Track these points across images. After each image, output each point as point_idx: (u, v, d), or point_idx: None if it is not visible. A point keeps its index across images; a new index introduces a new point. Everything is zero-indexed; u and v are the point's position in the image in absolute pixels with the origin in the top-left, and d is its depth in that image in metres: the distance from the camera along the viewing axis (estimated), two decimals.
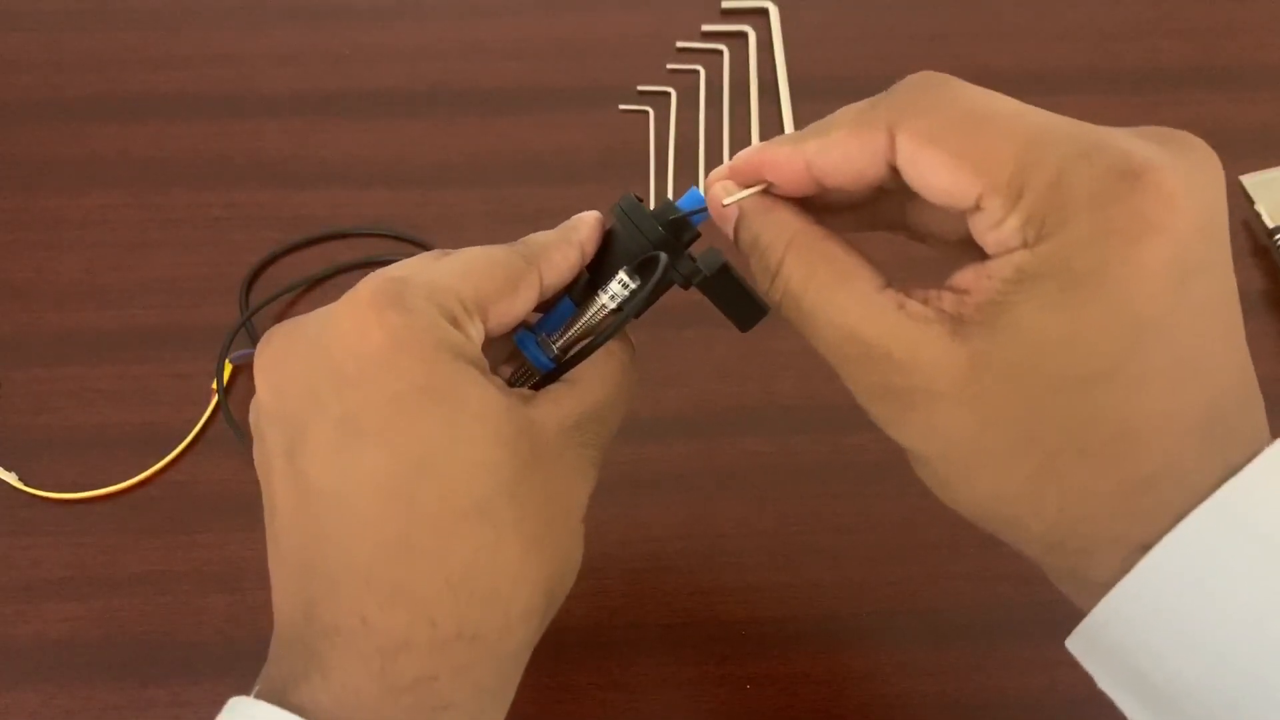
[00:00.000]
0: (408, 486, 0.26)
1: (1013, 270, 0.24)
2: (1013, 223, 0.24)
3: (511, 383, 0.32)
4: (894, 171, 0.26)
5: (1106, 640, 0.25)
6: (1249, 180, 0.53)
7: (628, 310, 0.30)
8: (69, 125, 0.58)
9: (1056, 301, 0.23)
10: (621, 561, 0.45)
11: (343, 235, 0.55)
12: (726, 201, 0.29)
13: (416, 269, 0.28)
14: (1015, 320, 0.24)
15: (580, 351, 0.30)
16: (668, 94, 0.59)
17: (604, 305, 0.31)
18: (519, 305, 0.29)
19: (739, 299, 0.31)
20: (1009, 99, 0.25)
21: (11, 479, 0.48)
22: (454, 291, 0.27)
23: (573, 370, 0.30)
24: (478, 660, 0.27)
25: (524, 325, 0.31)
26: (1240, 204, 0.53)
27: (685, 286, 0.31)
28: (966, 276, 0.25)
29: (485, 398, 0.27)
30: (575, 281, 0.32)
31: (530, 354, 0.31)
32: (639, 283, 0.30)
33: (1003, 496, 0.25)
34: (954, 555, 0.45)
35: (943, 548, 0.46)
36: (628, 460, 0.47)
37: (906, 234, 0.30)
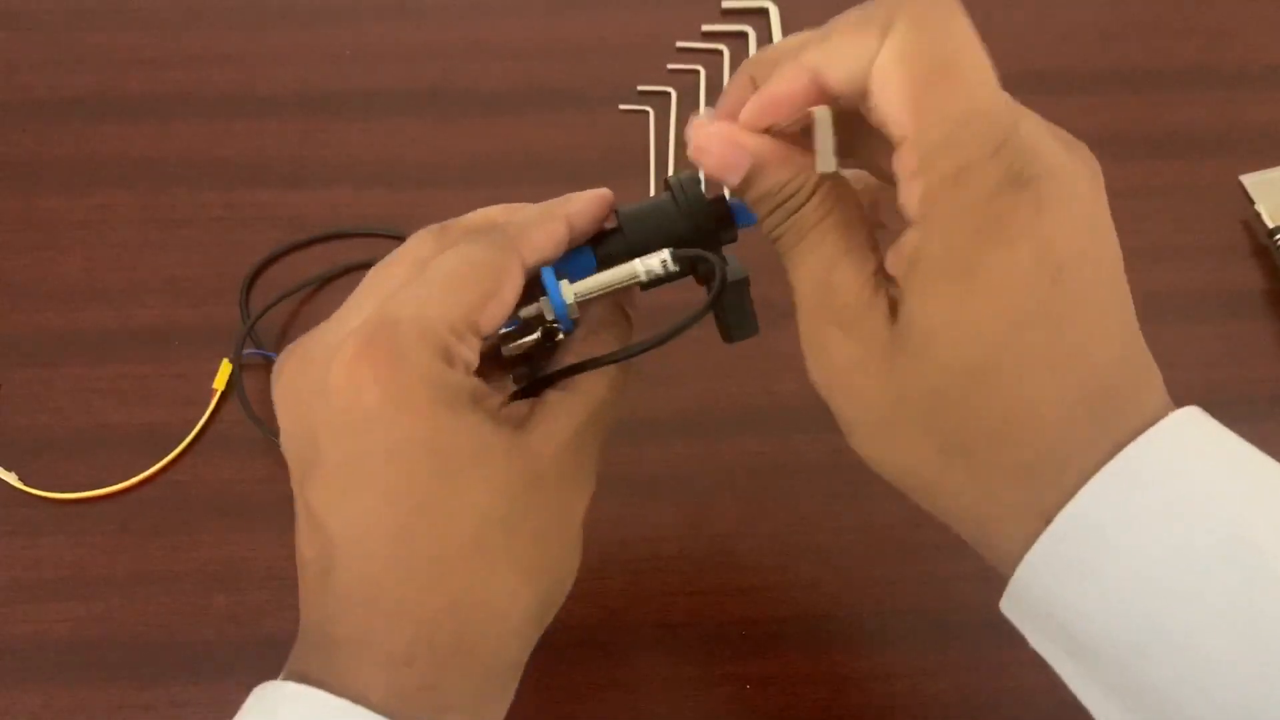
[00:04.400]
0: (406, 529, 0.27)
1: (910, 252, 0.26)
2: (916, 188, 0.25)
3: (508, 356, 0.32)
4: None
5: (1030, 600, 0.27)
6: (1249, 180, 0.53)
7: (660, 338, 0.29)
8: (69, 125, 0.58)
9: (942, 292, 0.25)
10: (621, 561, 0.45)
11: (343, 235, 0.55)
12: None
13: (405, 301, 0.28)
14: (912, 307, 0.26)
15: (587, 364, 0.30)
16: (668, 94, 0.59)
17: (636, 275, 0.30)
18: (506, 299, 0.29)
19: (739, 313, 0.31)
20: (982, 56, 0.26)
21: (11, 479, 0.48)
22: (443, 321, 0.28)
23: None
24: (475, 671, 0.28)
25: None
26: (1240, 204, 0.53)
27: (701, 282, 0.31)
28: (889, 257, 0.27)
29: (480, 442, 0.28)
30: (603, 235, 0.32)
31: (551, 293, 0.30)
32: (677, 270, 0.30)
33: (918, 467, 0.28)
34: (954, 555, 0.45)
35: (943, 548, 0.45)
36: (627, 460, 0.47)
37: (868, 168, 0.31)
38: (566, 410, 0.30)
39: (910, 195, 0.25)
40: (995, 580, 0.44)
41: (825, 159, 0.27)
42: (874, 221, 0.30)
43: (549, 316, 0.31)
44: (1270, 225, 0.52)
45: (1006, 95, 0.26)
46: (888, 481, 0.29)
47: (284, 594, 0.45)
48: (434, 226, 0.31)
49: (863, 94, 0.26)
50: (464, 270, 0.29)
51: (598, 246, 0.32)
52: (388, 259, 0.31)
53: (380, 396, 0.27)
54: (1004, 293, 0.25)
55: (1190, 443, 0.25)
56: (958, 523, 0.28)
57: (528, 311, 0.31)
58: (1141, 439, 0.25)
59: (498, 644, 0.29)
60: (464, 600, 0.28)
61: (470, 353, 0.28)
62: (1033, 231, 0.25)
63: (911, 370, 0.26)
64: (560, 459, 0.29)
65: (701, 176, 0.32)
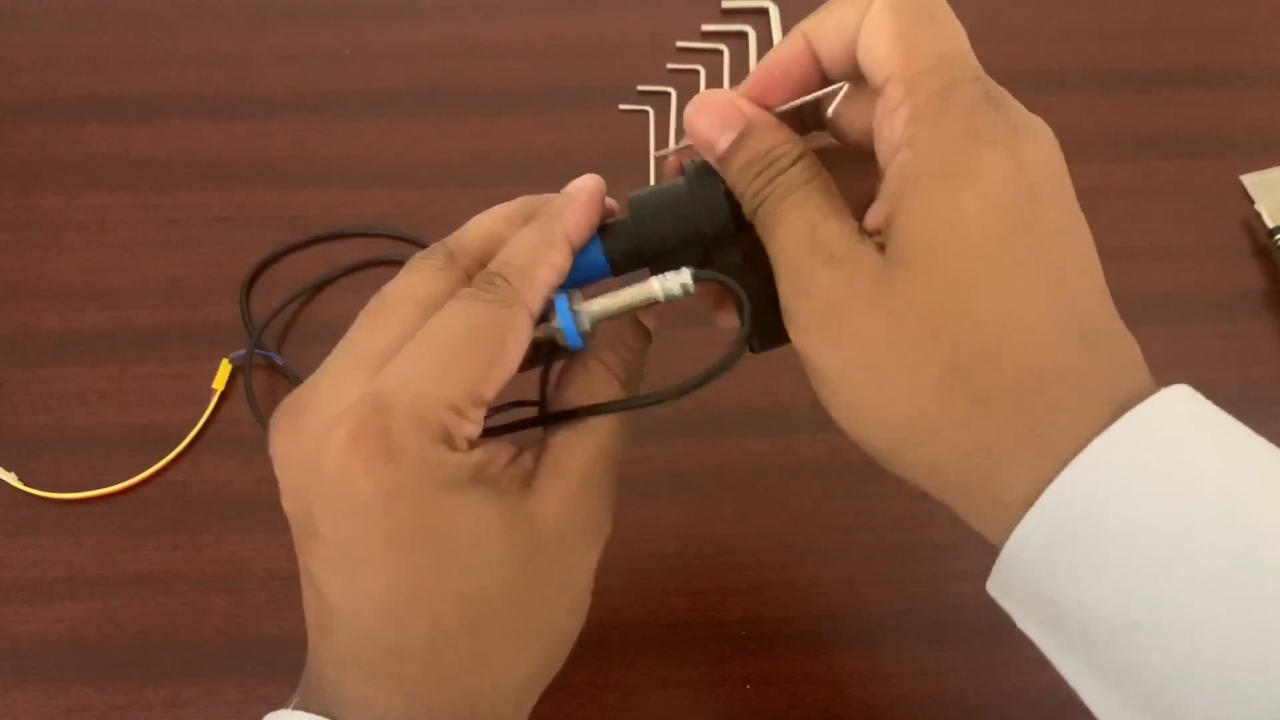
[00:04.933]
0: (401, 611, 0.27)
1: (896, 180, 0.26)
2: (902, 113, 0.26)
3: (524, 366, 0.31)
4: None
5: (1020, 572, 0.26)
6: (1249, 180, 0.53)
7: (678, 391, 0.28)
8: (68, 125, 0.58)
9: (931, 202, 0.26)
10: (621, 561, 0.45)
11: (343, 235, 0.55)
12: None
13: (401, 378, 0.27)
14: (903, 226, 0.26)
15: (598, 408, 0.29)
16: (668, 94, 0.59)
17: (655, 297, 0.29)
18: (512, 360, 0.28)
19: (766, 315, 0.30)
20: (948, 11, 0.28)
21: (11, 479, 0.48)
22: (442, 401, 0.27)
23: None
24: None
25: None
26: (1240, 204, 0.53)
27: (719, 281, 0.30)
28: (872, 213, 0.27)
29: (478, 522, 0.27)
30: (610, 225, 0.30)
31: (565, 326, 0.29)
32: (695, 289, 0.29)
33: (912, 407, 0.26)
34: (954, 555, 0.45)
35: (943, 548, 0.46)
36: (628, 460, 0.47)
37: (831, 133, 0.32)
38: (571, 455, 0.29)
39: (896, 123, 0.26)
40: None
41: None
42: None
43: (560, 343, 0.30)
44: (1270, 225, 0.52)
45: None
46: (869, 452, 0.28)
47: (283, 594, 0.45)
48: (436, 253, 0.30)
49: (851, 52, 0.28)
50: (466, 338, 0.27)
51: (605, 239, 0.30)
52: (386, 296, 0.29)
53: (373, 487, 0.26)
54: (993, 192, 0.25)
55: (1184, 417, 0.25)
56: (951, 479, 0.27)
57: (536, 335, 0.29)
58: (1135, 411, 0.25)
59: (496, 711, 0.29)
60: (461, 678, 0.28)
61: (473, 426, 0.27)
62: (1012, 143, 0.26)
63: (910, 287, 0.26)
64: (566, 517, 0.29)
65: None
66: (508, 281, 0.28)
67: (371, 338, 0.28)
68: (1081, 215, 0.27)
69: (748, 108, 0.29)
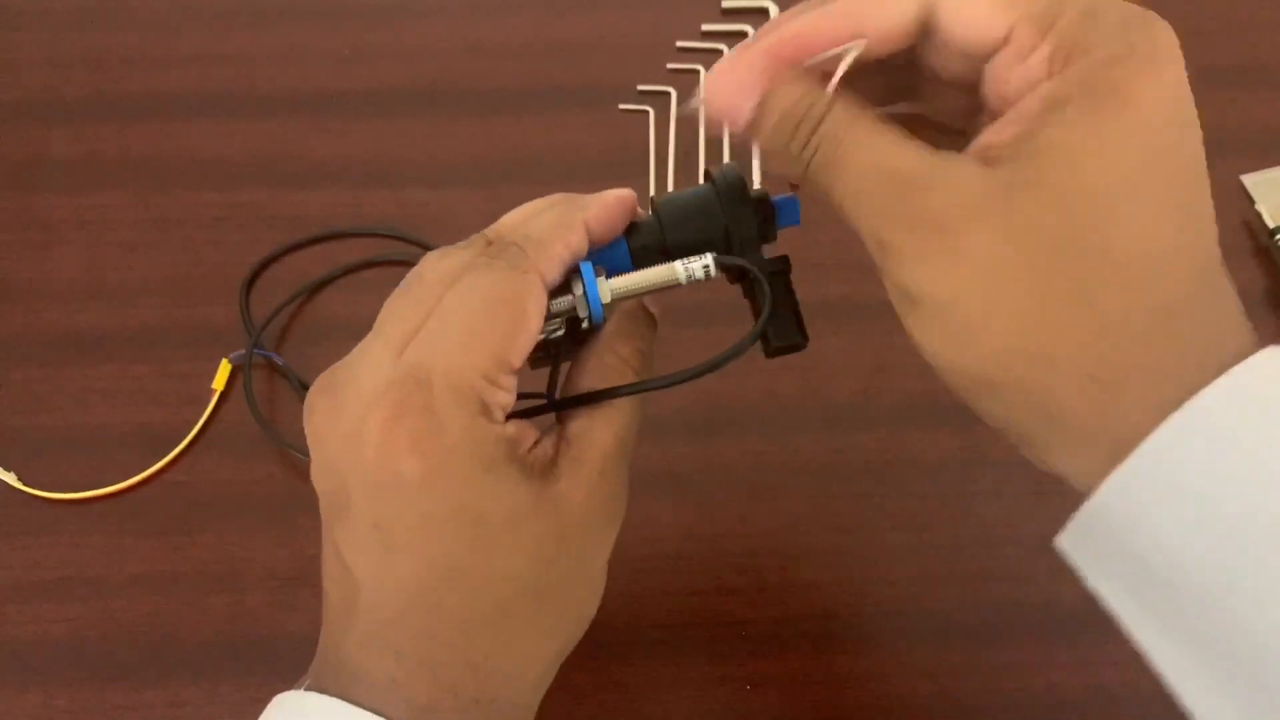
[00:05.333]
0: (433, 593, 0.27)
1: (1039, 102, 0.25)
2: (1043, 50, 0.25)
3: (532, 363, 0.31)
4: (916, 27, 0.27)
5: (1108, 521, 0.25)
6: (1249, 180, 0.53)
7: (703, 368, 0.29)
8: (69, 125, 0.58)
9: (1081, 121, 0.24)
10: (621, 561, 0.45)
11: (343, 235, 0.55)
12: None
13: (432, 351, 0.27)
14: (1043, 143, 0.25)
15: (621, 389, 0.29)
16: (668, 94, 0.59)
17: (677, 279, 0.29)
18: (533, 325, 0.28)
19: (784, 316, 0.30)
20: None
21: (11, 479, 0.48)
22: (475, 370, 0.27)
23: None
24: (495, 715, 0.28)
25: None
26: (1240, 204, 0.53)
27: (734, 281, 0.30)
28: (988, 134, 0.26)
29: (513, 504, 0.27)
30: (636, 224, 0.31)
31: (590, 292, 0.29)
32: (716, 273, 0.29)
33: (1027, 330, 0.25)
34: (954, 555, 0.45)
35: (943, 548, 0.46)
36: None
37: (914, 104, 0.30)
38: (591, 442, 0.29)
39: (1033, 64, 0.25)
40: (997, 580, 0.45)
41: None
42: None
43: (582, 314, 0.30)
44: (1271, 225, 0.52)
45: None
46: (965, 384, 0.26)
47: (283, 594, 0.45)
48: (475, 241, 0.30)
49: (909, 27, 0.27)
50: (486, 305, 0.28)
51: (630, 236, 0.31)
52: (415, 276, 0.29)
53: (418, 466, 0.26)
54: (1151, 114, 0.24)
55: None
56: (1055, 411, 0.25)
57: (559, 305, 0.30)
58: (1249, 361, 0.24)
59: (518, 695, 0.29)
60: (489, 661, 0.28)
61: (507, 393, 0.28)
62: (1162, 64, 0.25)
63: (1039, 206, 0.24)
64: (589, 503, 0.29)
65: (756, 169, 0.31)
66: (521, 250, 0.29)
67: (403, 317, 0.28)
68: (1199, 142, 0.26)
69: (762, 66, 0.28)
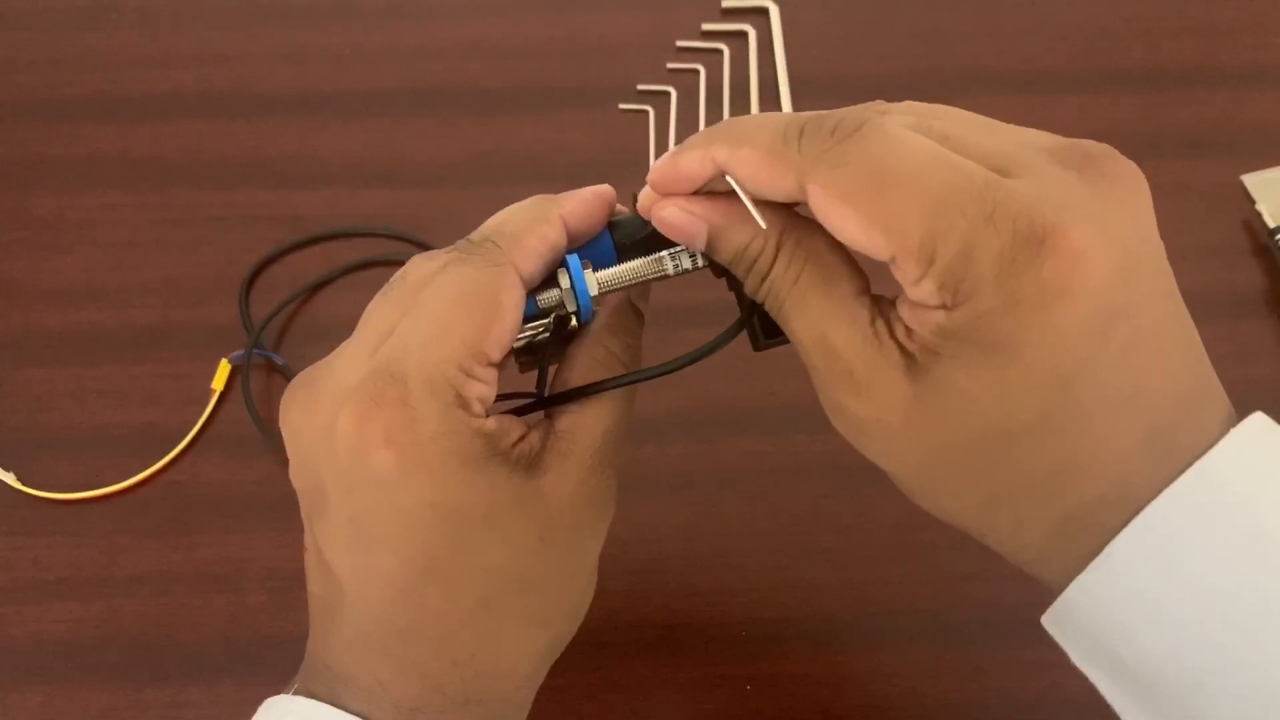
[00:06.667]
0: (414, 589, 0.27)
1: (936, 329, 0.25)
2: (929, 285, 0.24)
3: (519, 357, 0.31)
4: None
5: (1078, 620, 0.26)
6: (1249, 180, 0.53)
7: (680, 362, 0.29)
8: (68, 125, 0.58)
9: (978, 364, 0.24)
10: (621, 561, 0.45)
11: (343, 235, 0.55)
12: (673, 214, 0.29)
13: (406, 345, 0.27)
14: (944, 375, 0.25)
15: (606, 383, 0.29)
16: (668, 94, 0.59)
17: (665, 270, 0.30)
18: (510, 317, 0.28)
19: (771, 320, 0.30)
20: (922, 146, 0.24)
21: (11, 479, 0.48)
22: (450, 362, 0.27)
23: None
24: (486, 715, 0.28)
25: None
26: (1241, 204, 0.53)
27: (719, 275, 0.30)
28: (907, 312, 0.25)
29: (493, 499, 0.27)
30: (618, 221, 0.31)
31: (577, 283, 0.29)
32: (704, 264, 0.30)
33: (959, 515, 0.27)
34: (954, 555, 0.45)
35: (943, 548, 0.46)
36: (628, 461, 0.47)
37: None
38: (579, 436, 0.29)
39: (926, 293, 0.24)
40: (996, 580, 0.45)
41: (758, 220, 0.27)
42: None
43: (570, 307, 0.30)
44: (1271, 225, 0.52)
45: (968, 164, 0.24)
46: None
47: (282, 594, 0.45)
48: (458, 244, 0.30)
49: (797, 198, 0.26)
50: (458, 298, 0.27)
51: (615, 231, 0.31)
52: (398, 278, 0.29)
53: (392, 459, 0.26)
54: (1050, 356, 0.23)
55: (1255, 460, 0.24)
56: (1008, 557, 0.28)
57: (546, 300, 0.30)
58: (1204, 460, 0.24)
59: (506, 692, 0.29)
60: (474, 659, 0.28)
61: (484, 385, 0.27)
62: (1070, 287, 0.23)
63: (948, 431, 0.25)
64: (575, 497, 0.28)
65: None
66: (496, 245, 0.29)
67: (382, 316, 0.28)
68: (1168, 289, 0.26)
69: (699, 208, 0.28)
